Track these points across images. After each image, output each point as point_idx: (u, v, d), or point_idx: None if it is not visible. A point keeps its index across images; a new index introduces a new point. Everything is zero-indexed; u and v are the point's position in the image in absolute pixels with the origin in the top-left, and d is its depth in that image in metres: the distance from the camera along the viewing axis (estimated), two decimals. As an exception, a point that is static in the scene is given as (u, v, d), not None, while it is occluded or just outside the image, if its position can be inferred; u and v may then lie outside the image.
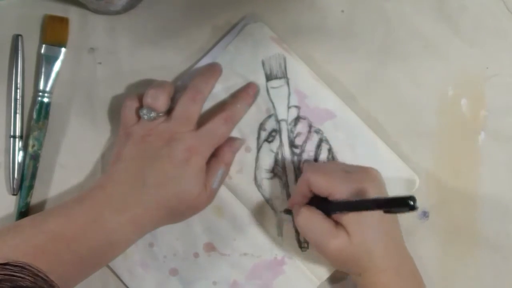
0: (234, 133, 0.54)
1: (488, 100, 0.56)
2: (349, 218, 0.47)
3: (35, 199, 0.54)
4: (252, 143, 0.54)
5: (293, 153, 0.54)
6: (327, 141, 0.54)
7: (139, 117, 0.50)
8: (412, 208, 0.41)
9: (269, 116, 0.54)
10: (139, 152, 0.49)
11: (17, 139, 0.54)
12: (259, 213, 0.54)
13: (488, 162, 0.55)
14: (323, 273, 0.54)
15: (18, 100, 0.54)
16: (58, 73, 0.54)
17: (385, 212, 0.43)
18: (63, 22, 0.54)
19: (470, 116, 0.56)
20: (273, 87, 0.54)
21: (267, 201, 0.54)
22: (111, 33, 0.55)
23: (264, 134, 0.54)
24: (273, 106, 0.54)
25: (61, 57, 0.54)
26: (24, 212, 0.54)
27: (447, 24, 0.56)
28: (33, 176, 0.54)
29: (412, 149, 0.55)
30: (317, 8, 0.56)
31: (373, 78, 0.56)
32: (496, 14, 0.56)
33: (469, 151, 0.56)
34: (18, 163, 0.54)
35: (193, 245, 0.54)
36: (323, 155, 0.54)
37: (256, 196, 0.54)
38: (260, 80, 0.54)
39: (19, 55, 0.54)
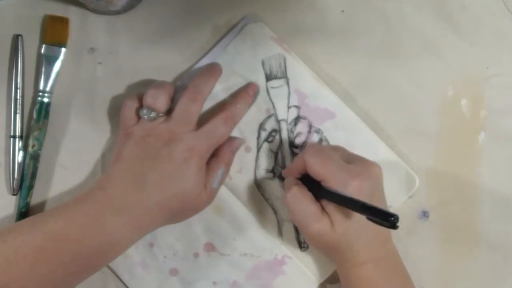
0: (234, 133, 0.54)
1: (488, 100, 0.56)
2: (335, 208, 0.47)
3: (35, 199, 0.54)
4: (252, 143, 0.54)
5: (293, 153, 0.54)
6: (327, 141, 0.54)
7: (139, 117, 0.50)
8: (392, 225, 0.41)
9: (269, 116, 0.54)
10: (139, 152, 0.49)
11: (17, 139, 0.54)
12: (259, 213, 0.54)
13: (488, 162, 0.55)
14: (323, 273, 0.54)
15: (18, 100, 0.54)
16: (58, 73, 0.54)
17: (368, 219, 0.43)
18: (63, 22, 0.54)
19: (470, 116, 0.56)
20: (273, 87, 0.54)
21: (267, 201, 0.54)
22: (111, 33, 0.55)
23: (264, 134, 0.54)
24: (273, 106, 0.54)
25: (61, 57, 0.54)
26: (24, 212, 0.54)
27: (447, 24, 0.56)
28: (33, 176, 0.54)
29: (412, 149, 0.55)
30: (317, 8, 0.56)
31: (373, 78, 0.56)
32: (496, 14, 0.56)
33: (469, 151, 0.56)
34: (18, 163, 0.54)
35: (193, 245, 0.54)
36: None
37: (256, 196, 0.54)
38: (260, 80, 0.54)
39: (19, 55, 0.54)
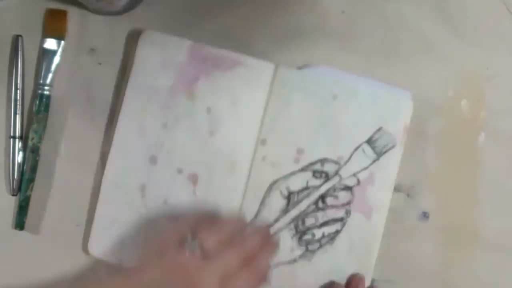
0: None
1: (488, 100, 0.56)
2: None
3: (35, 192, 0.54)
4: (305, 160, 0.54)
5: (316, 205, 0.54)
6: (342, 225, 0.53)
7: (183, 243, 0.48)
8: None
9: (336, 162, 0.53)
10: (167, 280, 0.47)
11: (17, 140, 0.54)
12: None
13: (488, 162, 0.55)
14: None
15: (18, 101, 0.54)
16: (58, 66, 0.54)
17: None
18: (61, 14, 0.55)
19: (470, 116, 0.56)
20: (363, 151, 0.53)
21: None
22: (111, 33, 0.55)
23: (317, 166, 0.54)
24: (347, 160, 0.54)
25: (61, 49, 0.54)
26: (24, 205, 0.54)
27: (447, 24, 0.56)
28: (33, 169, 0.54)
29: (412, 150, 0.55)
30: (318, 9, 0.56)
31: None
32: (496, 14, 0.56)
33: (469, 151, 0.56)
34: (18, 163, 0.54)
35: None
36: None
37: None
38: (363, 135, 0.53)
39: (19, 55, 0.54)
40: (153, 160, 0.53)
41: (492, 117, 0.56)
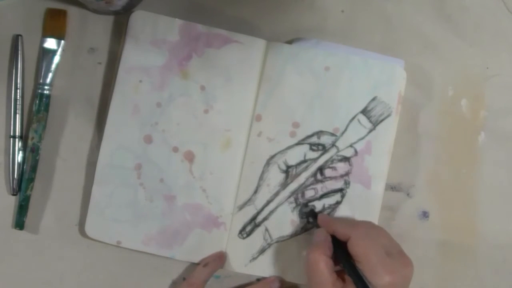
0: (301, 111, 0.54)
1: (488, 100, 0.56)
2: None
3: (35, 192, 0.54)
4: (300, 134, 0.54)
5: (314, 176, 0.54)
6: (343, 196, 0.54)
7: None
8: None
9: (333, 134, 0.54)
10: None
11: (17, 139, 0.54)
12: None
13: (488, 162, 0.55)
14: None
15: (18, 100, 0.54)
16: (58, 65, 0.54)
17: None
18: (61, 14, 0.55)
19: (470, 116, 0.56)
20: (359, 121, 0.54)
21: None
22: (111, 33, 0.55)
23: (314, 139, 0.54)
24: (343, 131, 0.54)
25: (60, 49, 0.54)
26: (24, 205, 0.54)
27: (447, 24, 0.56)
28: (33, 169, 0.54)
29: (412, 150, 0.55)
30: (317, 8, 0.56)
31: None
32: (496, 14, 0.56)
33: (469, 151, 0.56)
34: (18, 163, 0.54)
35: None
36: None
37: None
38: (358, 105, 0.53)
39: (19, 55, 0.54)
40: (148, 139, 0.53)
41: (492, 117, 0.56)
